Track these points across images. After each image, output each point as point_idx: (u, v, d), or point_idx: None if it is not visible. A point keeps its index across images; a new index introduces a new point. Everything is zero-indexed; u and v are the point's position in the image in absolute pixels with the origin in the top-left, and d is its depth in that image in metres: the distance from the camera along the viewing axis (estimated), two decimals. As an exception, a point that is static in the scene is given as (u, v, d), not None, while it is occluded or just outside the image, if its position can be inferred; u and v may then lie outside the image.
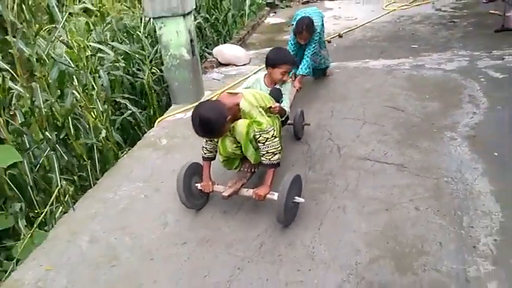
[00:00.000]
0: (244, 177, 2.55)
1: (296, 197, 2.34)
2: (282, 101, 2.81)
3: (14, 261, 2.51)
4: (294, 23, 3.70)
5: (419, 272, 1.97)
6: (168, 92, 4.45)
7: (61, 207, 2.87)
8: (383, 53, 5.00)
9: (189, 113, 3.98)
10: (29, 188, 2.90)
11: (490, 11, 6.01)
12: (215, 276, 2.09)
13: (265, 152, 2.31)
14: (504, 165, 2.65)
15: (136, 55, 4.50)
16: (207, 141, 2.50)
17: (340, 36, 5.99)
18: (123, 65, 4.43)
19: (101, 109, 3.41)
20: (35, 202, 2.94)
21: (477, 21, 5.83)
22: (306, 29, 3.58)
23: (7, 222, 2.78)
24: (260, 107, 2.38)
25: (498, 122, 3.16)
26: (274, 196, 2.28)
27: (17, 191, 2.84)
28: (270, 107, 2.53)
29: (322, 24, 3.87)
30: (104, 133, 3.21)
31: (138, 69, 4.60)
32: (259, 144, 2.32)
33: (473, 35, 5.28)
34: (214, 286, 2.03)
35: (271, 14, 8.08)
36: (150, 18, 4.47)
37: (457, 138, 3.01)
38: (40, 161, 3.10)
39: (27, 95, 3.09)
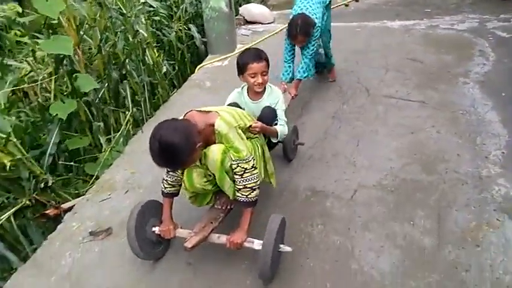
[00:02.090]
0: (216, 218, 2.01)
1: (281, 245, 1.85)
2: (276, 122, 2.30)
3: (98, 168, 2.99)
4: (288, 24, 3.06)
5: (442, 173, 2.48)
6: (191, 50, 4.86)
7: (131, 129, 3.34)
8: (399, 16, 5.41)
9: (226, 62, 4.48)
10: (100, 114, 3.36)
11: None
12: None
13: (242, 187, 1.84)
14: (510, 102, 3.14)
15: (165, 12, 4.86)
16: (168, 171, 1.98)
17: (357, 0, 6.36)
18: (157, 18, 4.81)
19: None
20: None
21: (485, -10, 6.24)
22: (300, 32, 2.95)
23: (83, 142, 3.24)
24: (239, 127, 1.89)
25: (504, 71, 3.64)
26: (254, 245, 1.82)
27: (90, 115, 3.29)
28: (250, 126, 2.01)
29: (324, 12, 3.19)
30: (164, 69, 3.63)
31: (167, 26, 4.96)
32: (236, 176, 1.85)
33: (482, 1, 5.69)
34: None
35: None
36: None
37: (469, 83, 3.49)
38: (100, 95, 3.53)
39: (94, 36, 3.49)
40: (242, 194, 1.85)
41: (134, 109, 3.39)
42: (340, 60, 4.10)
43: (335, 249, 2.05)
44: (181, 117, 1.85)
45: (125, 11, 3.97)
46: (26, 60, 3.23)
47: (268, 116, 2.25)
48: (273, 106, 2.30)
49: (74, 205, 2.60)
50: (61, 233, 2.36)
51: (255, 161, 1.89)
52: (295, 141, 2.69)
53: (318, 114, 3.21)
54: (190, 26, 5.06)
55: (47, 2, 2.73)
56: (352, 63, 4.05)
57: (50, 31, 2.97)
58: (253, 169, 1.85)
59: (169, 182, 1.98)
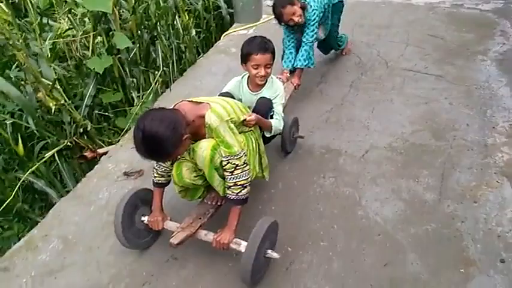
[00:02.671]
0: (205, 213, 1.94)
1: (269, 251, 1.75)
2: (272, 114, 2.22)
3: (129, 121, 3.24)
4: None
5: (450, 140, 2.64)
6: (216, 20, 5.01)
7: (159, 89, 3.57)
8: (425, -7, 5.42)
9: (251, 30, 4.63)
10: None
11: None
12: None
13: (232, 184, 1.75)
14: (524, 80, 3.24)
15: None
16: (157, 163, 1.91)
17: (383, -23, 6.34)
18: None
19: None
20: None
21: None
22: (281, 4, 2.73)
23: (116, 97, 3.49)
24: (231, 121, 1.78)
25: (524, 51, 3.71)
26: (241, 247, 1.74)
27: (122, 71, 3.52)
28: (244, 120, 1.91)
29: (328, 4, 3.01)
30: (193, 32, 3.82)
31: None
32: (226, 174, 1.76)
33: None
34: None
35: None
36: None
37: (487, 60, 3.58)
38: (131, 55, 3.75)
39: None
40: (232, 192, 1.75)
41: (164, 69, 3.60)
42: (361, 34, 4.22)
43: (344, 198, 2.26)
44: (171, 107, 1.76)
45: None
46: (67, 17, 3.47)
47: (264, 107, 2.16)
48: (271, 99, 2.21)
49: (108, 150, 2.88)
50: (98, 172, 2.63)
51: (246, 156, 1.80)
52: (294, 134, 2.56)
53: (336, 83, 3.37)
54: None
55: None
56: (374, 37, 4.15)
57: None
58: (244, 165, 1.75)
59: (159, 172, 1.91)
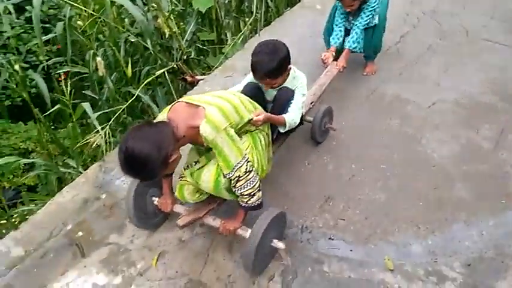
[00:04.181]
0: (215, 200, 1.94)
1: (275, 240, 1.77)
2: (289, 106, 2.06)
3: (221, 59, 3.70)
4: None
5: (517, 104, 2.82)
6: None
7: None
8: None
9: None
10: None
11: None
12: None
13: (239, 195, 1.73)
14: None
15: None
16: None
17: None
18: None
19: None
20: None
21: None
22: None
23: (211, 36, 3.96)
24: (231, 126, 1.65)
25: None
26: (246, 233, 1.77)
27: (219, 14, 3.98)
28: (251, 119, 1.78)
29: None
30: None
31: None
32: (232, 187, 1.72)
33: None
34: None
35: None
36: None
37: None
38: (227, 1, 4.18)
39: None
40: (242, 201, 1.74)
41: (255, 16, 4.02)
42: (445, 3, 4.31)
43: (407, 136, 2.59)
44: (162, 115, 1.67)
45: None
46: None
47: (282, 99, 2.05)
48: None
49: (204, 78, 3.38)
50: (196, 91, 3.15)
51: (249, 163, 1.68)
52: (326, 124, 2.48)
53: (413, 44, 3.58)
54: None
55: None
56: (458, 8, 4.23)
57: None
58: (247, 174, 1.67)
59: None
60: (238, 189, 1.69)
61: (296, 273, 1.85)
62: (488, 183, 2.23)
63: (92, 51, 3.09)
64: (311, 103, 2.51)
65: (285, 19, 4.25)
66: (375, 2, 2.77)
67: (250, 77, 2.09)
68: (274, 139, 2.15)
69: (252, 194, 1.71)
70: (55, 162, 3.03)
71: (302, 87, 2.09)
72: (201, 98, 1.71)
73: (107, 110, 2.97)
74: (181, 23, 3.88)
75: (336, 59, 2.86)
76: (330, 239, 1.99)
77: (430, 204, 2.13)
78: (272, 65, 1.89)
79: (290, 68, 2.03)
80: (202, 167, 1.77)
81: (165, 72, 3.22)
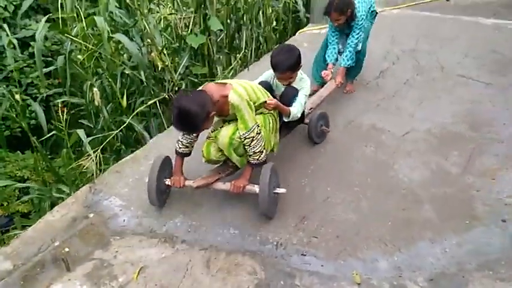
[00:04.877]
0: (224, 171, 2.38)
1: (276, 188, 2.26)
2: (294, 101, 2.53)
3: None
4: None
5: (484, 133, 3.01)
6: (292, 23, 5.63)
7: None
8: (495, 15, 5.63)
9: (324, 30, 5.20)
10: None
11: None
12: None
13: (252, 153, 2.19)
14: None
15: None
16: (184, 134, 2.28)
17: (459, -4, 6.61)
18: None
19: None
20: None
21: None
22: (335, 9, 3.04)
23: (203, 70, 4.21)
24: (251, 100, 2.16)
25: None
26: (255, 188, 2.19)
27: (211, 50, 4.25)
28: (265, 102, 2.29)
29: (370, 13, 3.34)
30: (274, 23, 4.49)
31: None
32: (246, 147, 2.19)
33: None
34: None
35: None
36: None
37: (540, 76, 3.84)
38: (219, 39, 4.47)
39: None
40: (253, 158, 2.21)
41: (245, 51, 4.29)
42: (424, 43, 4.62)
43: (380, 162, 2.75)
44: (200, 89, 2.16)
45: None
46: (171, 3, 4.28)
47: (290, 93, 2.54)
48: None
49: (194, 107, 3.58)
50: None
51: (259, 128, 2.18)
52: (321, 126, 2.87)
53: (392, 79, 3.83)
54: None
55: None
56: (436, 47, 4.52)
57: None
58: (258, 135, 2.16)
59: (184, 144, 2.31)
60: (251, 148, 2.17)
61: (269, 286, 1.95)
62: (454, 205, 2.37)
63: (90, 82, 3.30)
64: (310, 109, 2.97)
65: (273, 55, 4.52)
66: (361, 20, 3.17)
67: (262, 77, 2.67)
68: (279, 129, 2.56)
69: (261, 151, 2.20)
70: (49, 188, 3.17)
71: (306, 88, 2.60)
72: (227, 80, 2.24)
73: (99, 135, 3.14)
74: (176, 58, 4.15)
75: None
76: (302, 255, 2.10)
77: (398, 223, 2.26)
78: (292, 60, 2.43)
79: (301, 66, 2.51)
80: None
81: (157, 103, 3.43)
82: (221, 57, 4.23)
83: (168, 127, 3.31)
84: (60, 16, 3.03)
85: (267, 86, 2.55)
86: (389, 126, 3.12)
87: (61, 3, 3.04)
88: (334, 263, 2.05)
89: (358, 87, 3.64)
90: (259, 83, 2.53)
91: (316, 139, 2.89)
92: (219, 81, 2.25)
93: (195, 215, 2.39)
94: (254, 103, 2.20)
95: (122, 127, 3.16)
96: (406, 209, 2.35)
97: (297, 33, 5.17)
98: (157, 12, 4.20)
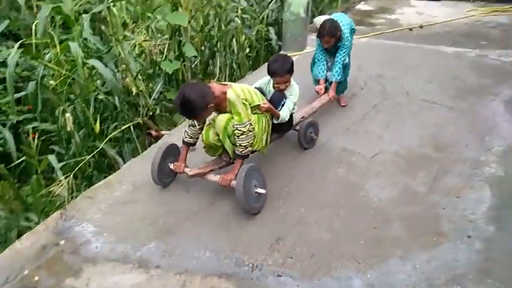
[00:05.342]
0: (217, 164, 2.70)
1: (258, 188, 2.46)
2: (282, 105, 2.81)
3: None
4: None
5: (448, 154, 3.16)
6: (265, 51, 5.81)
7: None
8: (455, 44, 6.00)
9: (295, 58, 5.37)
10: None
11: (561, 28, 6.75)
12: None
13: (238, 145, 2.47)
14: (526, 119, 3.72)
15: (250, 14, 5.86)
16: (189, 125, 2.62)
17: (421, 27, 7.01)
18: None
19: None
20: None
21: (546, 34, 6.63)
22: (327, 33, 3.44)
23: (173, 66, 4.23)
24: (245, 100, 2.45)
25: (533, 97, 4.19)
26: (234, 184, 2.43)
27: (186, 76, 4.32)
28: (259, 105, 2.58)
29: (351, 32, 3.67)
30: (248, 49, 4.61)
31: (249, 27, 5.94)
32: (235, 137, 2.46)
33: (538, 43, 6.13)
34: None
35: (362, 2, 9.20)
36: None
37: (496, 100, 4.09)
38: (193, 65, 4.56)
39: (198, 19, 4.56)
40: (238, 150, 2.51)
41: (219, 77, 4.38)
42: (390, 70, 4.85)
43: (351, 183, 2.84)
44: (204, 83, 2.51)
45: (223, 4, 5.03)
46: (146, 30, 4.35)
47: (278, 97, 2.83)
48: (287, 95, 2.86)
49: (169, 132, 3.60)
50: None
51: (251, 126, 2.46)
52: (310, 133, 3.17)
53: (360, 104, 3.99)
54: (270, 28, 6.06)
55: (177, -14, 3.79)
56: (401, 73, 4.76)
57: (174, 8, 4.03)
58: (248, 132, 2.43)
59: (189, 134, 2.65)
60: (239, 140, 2.44)
61: (245, 308, 1.95)
62: (421, 223, 2.46)
63: (62, 107, 3.28)
64: (302, 117, 3.26)
65: (247, 80, 4.63)
66: (347, 41, 3.56)
67: (257, 83, 2.99)
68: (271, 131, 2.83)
69: (247, 146, 2.48)
70: (16, 217, 3.07)
71: (295, 95, 2.91)
72: (229, 82, 2.60)
73: (71, 161, 3.10)
74: (150, 83, 4.18)
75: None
76: (278, 275, 2.12)
77: (369, 242, 2.32)
78: (289, 65, 2.78)
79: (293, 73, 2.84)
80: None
81: (131, 127, 3.43)
82: (195, 81, 4.28)
83: (142, 152, 3.30)
84: (33, 42, 3.03)
85: (261, 92, 2.82)
86: (359, 149, 3.24)
87: (33, 29, 3.05)
88: (310, 283, 2.08)
89: (330, 111, 3.76)
90: (255, 88, 2.82)
91: (305, 145, 3.18)
92: (221, 82, 2.64)
93: (170, 238, 2.38)
94: (250, 104, 2.50)
95: (94, 152, 3.13)
96: (377, 228, 2.42)
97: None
98: (132, 39, 4.25)
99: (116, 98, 3.39)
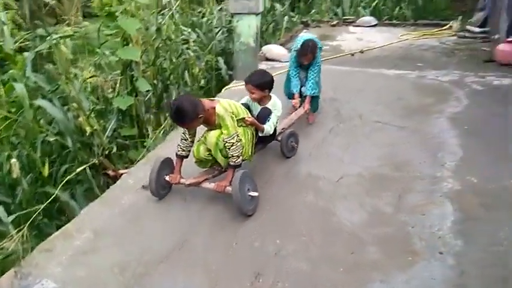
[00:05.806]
0: (211, 173, 2.92)
1: (251, 192, 2.69)
2: (268, 120, 3.08)
3: (143, 152, 3.82)
4: (299, 45, 3.89)
5: (407, 172, 3.29)
6: (215, 80, 5.87)
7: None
8: (395, 66, 6.40)
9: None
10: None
11: (483, 48, 7.46)
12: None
13: (230, 156, 2.71)
14: (469, 133, 3.98)
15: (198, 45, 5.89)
16: (181, 139, 2.85)
17: (361, 52, 7.42)
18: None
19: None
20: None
21: (472, 54, 7.26)
22: (310, 51, 3.81)
23: (132, 132, 4.11)
24: (232, 113, 2.72)
25: (472, 113, 4.51)
26: (230, 190, 2.65)
27: (140, 111, 4.19)
28: (243, 118, 2.83)
29: (320, 50, 4.04)
30: (203, 82, 4.58)
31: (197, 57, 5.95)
32: (227, 149, 2.70)
33: (467, 62, 6.69)
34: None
35: (304, 30, 9.59)
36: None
37: (441, 118, 4.36)
38: (146, 98, 4.45)
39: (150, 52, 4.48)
40: (232, 160, 2.74)
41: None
42: (340, 94, 5.04)
43: (321, 208, 2.85)
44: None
45: (173, 37, 5.01)
46: (98, 63, 4.20)
47: (265, 113, 3.13)
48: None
49: (127, 171, 3.43)
50: (120, 186, 3.18)
51: (238, 137, 2.71)
52: (292, 142, 3.48)
53: (318, 128, 4.08)
54: (219, 58, 6.11)
55: (128, 20, 3.71)
56: (351, 97, 4.96)
57: (124, 42, 3.94)
58: (237, 143, 2.69)
59: (182, 147, 2.86)
60: (231, 151, 2.69)
61: None
62: (395, 243, 2.51)
63: (7, 153, 3.02)
64: (282, 129, 3.53)
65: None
66: (319, 57, 4.02)
67: (242, 100, 3.23)
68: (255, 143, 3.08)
69: (238, 155, 2.72)
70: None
71: (278, 110, 3.20)
72: (215, 98, 2.87)
73: (22, 212, 2.84)
74: (101, 121, 4.00)
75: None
76: (262, 314, 2.04)
77: (348, 268, 2.32)
78: (262, 80, 3.13)
79: (271, 89, 3.18)
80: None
81: (87, 169, 3.23)
82: (151, 116, 4.17)
83: (100, 194, 3.11)
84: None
85: (246, 107, 3.09)
86: (324, 173, 3.28)
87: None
88: (296, 318, 2.02)
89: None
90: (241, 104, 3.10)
91: (288, 153, 3.46)
92: (210, 98, 2.87)
93: (144, 283, 2.22)
94: (236, 117, 2.75)
95: (49, 200, 2.89)
96: (354, 253, 2.43)
97: (222, 90, 5.33)
98: (80, 75, 4.07)
99: (69, 139, 3.19)
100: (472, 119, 4.34)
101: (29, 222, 2.67)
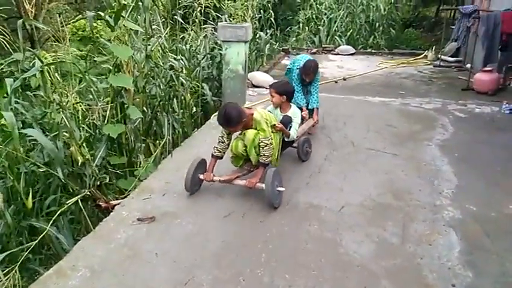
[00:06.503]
0: (241, 172, 3.34)
1: (278, 187, 3.10)
2: (290, 127, 3.61)
3: (134, 182, 3.67)
4: (302, 65, 4.38)
5: (407, 201, 3.29)
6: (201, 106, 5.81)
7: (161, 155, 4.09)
8: (378, 94, 6.55)
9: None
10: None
11: (459, 77, 7.77)
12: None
13: (262, 154, 3.13)
14: (460, 160, 4.06)
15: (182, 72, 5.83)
16: (219, 142, 3.26)
17: (344, 79, 7.58)
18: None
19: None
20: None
21: (449, 82, 7.56)
22: (313, 70, 4.33)
23: (121, 160, 3.95)
24: (266, 120, 3.18)
25: (459, 140, 4.62)
26: (263, 185, 3.04)
27: (129, 138, 4.04)
28: (274, 125, 3.29)
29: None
30: (195, 109, 4.49)
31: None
32: (260, 149, 3.13)
33: (446, 90, 6.94)
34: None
35: (286, 57, 9.76)
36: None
37: (432, 145, 4.44)
38: (134, 125, 4.31)
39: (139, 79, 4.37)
40: (262, 158, 3.16)
41: (168, 138, 4.17)
42: (330, 121, 5.07)
43: (327, 240, 2.77)
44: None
45: (161, 64, 4.93)
46: (87, 90, 4.05)
47: (286, 120, 3.63)
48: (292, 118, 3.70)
49: (120, 202, 3.27)
50: (114, 218, 3.01)
51: (272, 140, 3.17)
52: (306, 147, 3.94)
53: (313, 156, 4.05)
54: (204, 84, 6.06)
55: (120, 48, 3.62)
56: (341, 124, 5.00)
57: (116, 69, 3.82)
58: (270, 145, 3.14)
59: (218, 149, 3.27)
60: (263, 150, 3.12)
61: None
62: (406, 276, 2.45)
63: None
64: (297, 137, 3.80)
65: (195, 138, 4.51)
66: (319, 75, 4.59)
67: (268, 108, 3.75)
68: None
69: (268, 156, 3.16)
70: None
71: (298, 118, 3.74)
72: (253, 107, 3.63)
73: (11, 251, 2.62)
74: (90, 149, 3.82)
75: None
76: None
77: (364, 304, 2.24)
78: (287, 87, 3.80)
79: (290, 98, 3.79)
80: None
81: (78, 200, 3.05)
82: (142, 145, 4.03)
83: (94, 228, 2.92)
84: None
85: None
86: (325, 202, 3.22)
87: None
88: None
89: (284, 165, 3.75)
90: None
91: (303, 157, 3.92)
92: (248, 106, 3.47)
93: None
94: (269, 123, 3.20)
95: (39, 238, 2.69)
96: (367, 287, 2.35)
97: (212, 117, 5.25)
98: (65, 101, 3.90)
99: (59, 169, 3.01)
100: (460, 146, 4.44)
101: (19, 263, 2.45)
